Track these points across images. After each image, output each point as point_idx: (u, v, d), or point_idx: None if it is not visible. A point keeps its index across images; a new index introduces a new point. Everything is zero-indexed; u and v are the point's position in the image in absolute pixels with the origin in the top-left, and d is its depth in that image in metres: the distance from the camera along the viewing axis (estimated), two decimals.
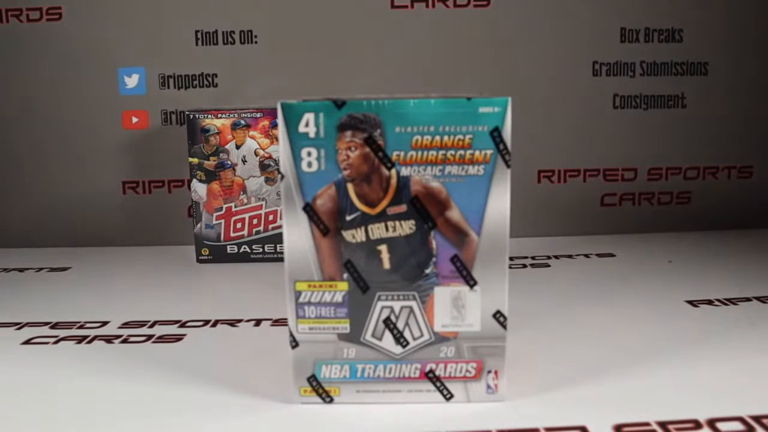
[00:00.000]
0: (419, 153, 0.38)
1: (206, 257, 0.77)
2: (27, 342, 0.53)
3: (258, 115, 0.76)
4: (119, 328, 0.56)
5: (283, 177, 0.39)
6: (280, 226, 0.77)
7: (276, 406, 0.41)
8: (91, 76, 0.83)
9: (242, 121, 0.76)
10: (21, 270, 0.76)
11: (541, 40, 0.84)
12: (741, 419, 0.38)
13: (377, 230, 0.39)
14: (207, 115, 0.75)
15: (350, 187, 0.39)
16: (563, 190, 0.88)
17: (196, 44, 0.83)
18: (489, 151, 0.38)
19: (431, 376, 0.41)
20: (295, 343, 0.41)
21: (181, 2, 0.83)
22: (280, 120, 0.38)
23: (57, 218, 0.86)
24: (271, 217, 0.77)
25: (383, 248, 0.40)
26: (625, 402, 0.41)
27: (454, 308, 0.40)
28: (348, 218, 0.39)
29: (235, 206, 0.77)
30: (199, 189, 0.76)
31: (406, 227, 0.39)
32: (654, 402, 0.41)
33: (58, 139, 0.85)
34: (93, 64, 0.83)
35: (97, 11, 0.82)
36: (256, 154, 0.76)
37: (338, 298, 0.40)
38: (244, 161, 0.76)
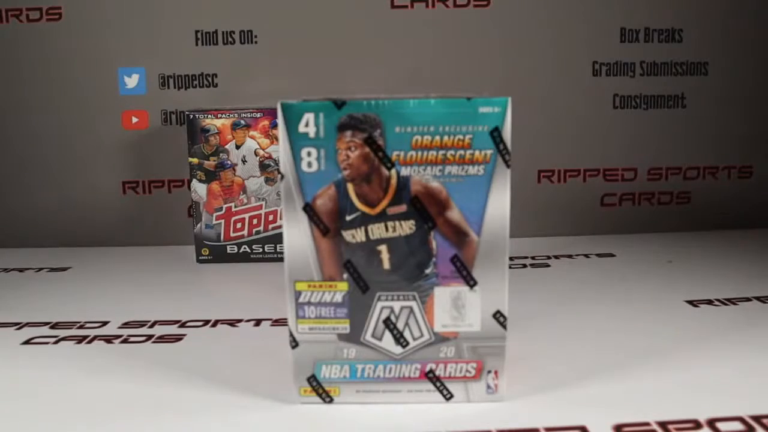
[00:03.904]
0: (419, 153, 0.38)
1: (206, 257, 0.77)
2: (27, 342, 0.53)
3: (258, 115, 0.76)
4: (119, 328, 0.56)
5: (283, 177, 0.39)
6: (280, 226, 0.77)
7: (276, 406, 0.41)
8: (91, 76, 0.83)
9: (242, 121, 0.76)
10: (21, 270, 0.76)
11: (541, 40, 0.84)
12: (741, 419, 0.38)
13: (377, 230, 0.39)
14: (207, 115, 0.75)
15: (350, 187, 0.39)
16: (563, 190, 0.88)
17: (196, 44, 0.83)
18: (489, 151, 0.38)
19: (431, 376, 0.41)
20: (295, 343, 0.41)
21: (181, 2, 0.83)
22: (280, 120, 0.38)
23: (57, 218, 0.86)
24: (271, 217, 0.77)
25: (383, 248, 0.40)
26: (625, 402, 0.41)
27: (454, 308, 0.40)
28: (348, 218, 0.39)
29: (235, 206, 0.77)
30: (199, 189, 0.76)
31: (406, 227, 0.39)
32: (654, 402, 0.41)
33: (58, 139, 0.85)
34: (93, 64, 0.83)
35: (97, 11, 0.82)
36: (256, 154, 0.76)
37: (338, 298, 0.40)
38: (244, 161, 0.76)
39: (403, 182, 0.39)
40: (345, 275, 0.40)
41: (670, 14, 0.85)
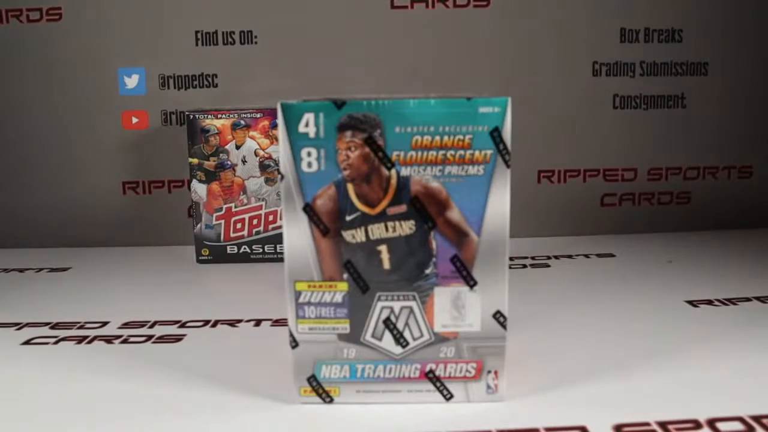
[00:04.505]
0: (419, 153, 0.38)
1: (206, 257, 0.77)
2: (27, 342, 0.53)
3: (258, 115, 0.76)
4: (119, 328, 0.56)
5: (283, 177, 0.39)
6: (280, 227, 0.77)
7: (276, 406, 0.41)
8: (91, 76, 0.83)
9: (242, 122, 0.76)
10: (21, 270, 0.76)
11: (541, 40, 0.84)
12: (741, 419, 0.38)
13: (377, 230, 0.39)
14: (207, 115, 0.75)
15: (350, 187, 0.39)
16: (563, 190, 0.88)
17: (196, 44, 0.83)
18: (489, 151, 0.38)
19: (431, 377, 0.41)
20: (295, 343, 0.41)
21: (181, 2, 0.83)
22: (280, 120, 0.38)
23: (57, 218, 0.86)
24: (271, 218, 0.77)
25: (383, 248, 0.40)
26: (625, 402, 0.41)
27: (454, 308, 0.40)
28: (348, 218, 0.39)
29: (235, 206, 0.77)
30: (199, 189, 0.76)
31: (406, 227, 0.39)
32: (654, 402, 0.41)
33: (58, 139, 0.85)
34: (93, 64, 0.83)
35: (97, 11, 0.82)
36: (256, 155, 0.76)
37: (338, 298, 0.40)
38: (244, 161, 0.76)
39: (403, 182, 0.39)
40: (345, 275, 0.40)
41: (670, 14, 0.85)
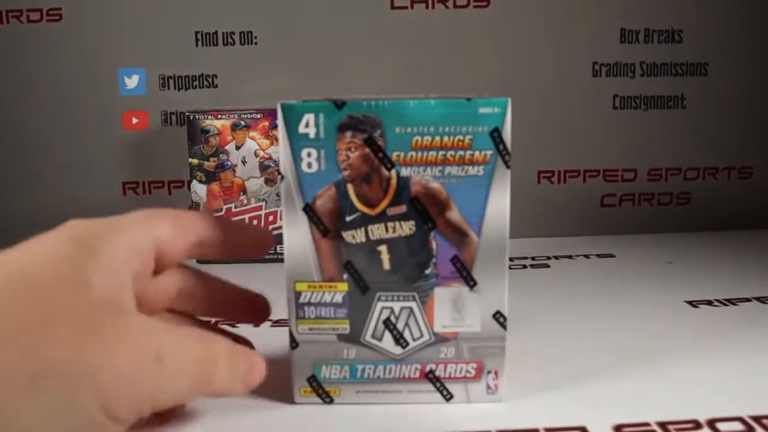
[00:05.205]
0: (419, 153, 0.38)
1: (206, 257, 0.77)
2: None
3: (258, 115, 0.76)
4: None
5: (282, 178, 0.39)
6: (279, 227, 0.77)
7: (276, 406, 0.41)
8: (91, 76, 0.83)
9: (242, 122, 0.76)
10: None
11: (541, 40, 0.84)
12: (741, 419, 0.38)
13: (377, 231, 0.39)
14: (207, 115, 0.75)
15: (350, 187, 0.39)
16: (563, 190, 0.88)
17: (196, 45, 0.83)
18: (489, 152, 0.38)
19: (431, 377, 0.41)
20: (294, 344, 0.41)
21: (181, 2, 0.83)
22: (279, 120, 0.38)
23: (57, 218, 0.86)
24: (271, 218, 0.77)
25: (383, 249, 0.40)
26: (625, 402, 0.41)
27: (454, 309, 0.40)
28: (348, 219, 0.39)
29: (235, 207, 0.77)
30: (199, 190, 0.76)
31: (406, 228, 0.39)
32: (654, 402, 0.41)
33: (58, 139, 0.85)
34: (93, 64, 0.83)
35: (97, 12, 0.82)
36: (256, 155, 0.76)
37: (338, 298, 0.40)
38: (243, 162, 0.76)
39: (403, 183, 0.39)
40: (345, 276, 0.40)
41: (670, 14, 0.85)
